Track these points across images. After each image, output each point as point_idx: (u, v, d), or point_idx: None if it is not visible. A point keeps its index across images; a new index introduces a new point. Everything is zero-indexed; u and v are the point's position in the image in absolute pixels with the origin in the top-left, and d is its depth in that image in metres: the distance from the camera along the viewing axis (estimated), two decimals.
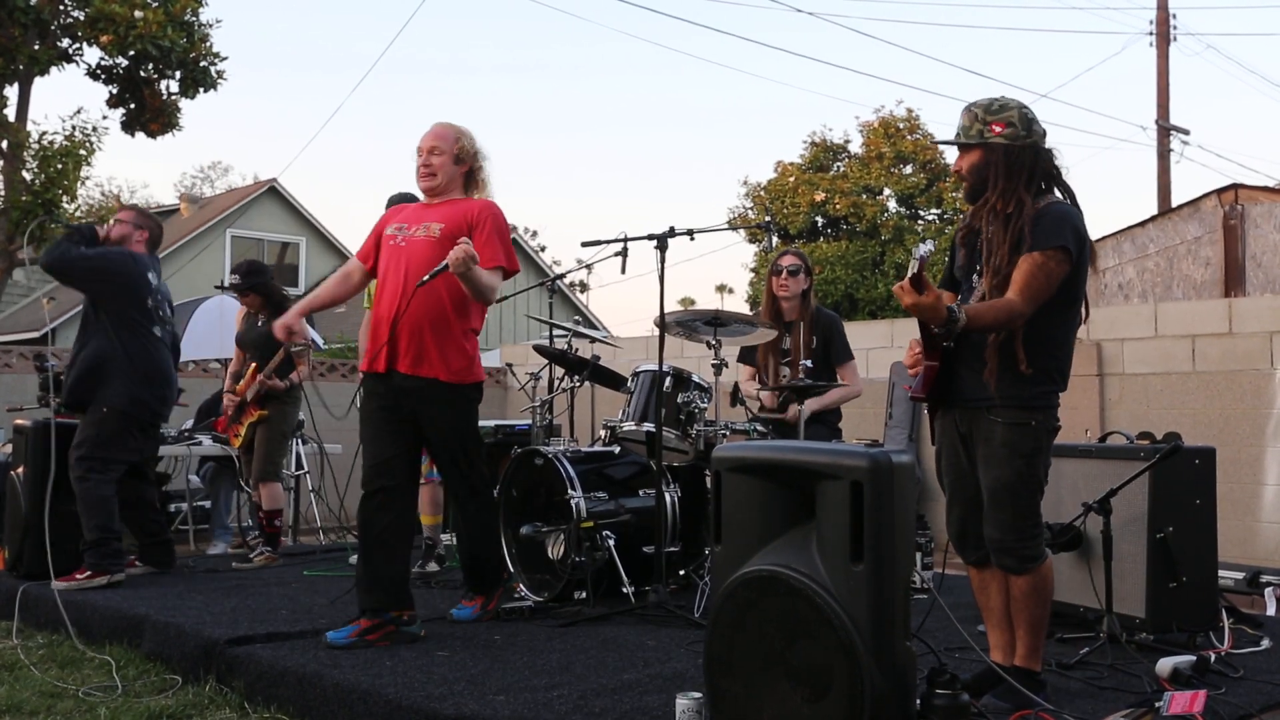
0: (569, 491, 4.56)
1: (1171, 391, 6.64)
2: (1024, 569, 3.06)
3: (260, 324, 6.10)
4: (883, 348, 7.95)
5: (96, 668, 3.89)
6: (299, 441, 7.08)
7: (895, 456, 2.37)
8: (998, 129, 3.05)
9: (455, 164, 4.05)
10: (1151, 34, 16.56)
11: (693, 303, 39.39)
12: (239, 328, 6.32)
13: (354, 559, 5.67)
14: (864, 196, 21.24)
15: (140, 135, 13.35)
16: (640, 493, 4.82)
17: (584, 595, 4.46)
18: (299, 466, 7.11)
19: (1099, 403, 6.88)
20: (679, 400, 4.71)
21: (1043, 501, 4.30)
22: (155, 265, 5.39)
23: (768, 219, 5.81)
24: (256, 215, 21.31)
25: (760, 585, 2.45)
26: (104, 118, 12.85)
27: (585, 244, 4.97)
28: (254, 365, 5.98)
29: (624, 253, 4.84)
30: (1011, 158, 3.05)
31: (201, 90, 12.96)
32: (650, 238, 4.63)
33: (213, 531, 7.14)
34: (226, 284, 6.45)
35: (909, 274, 2.88)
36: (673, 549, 4.68)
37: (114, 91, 13.10)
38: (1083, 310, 3.18)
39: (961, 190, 3.24)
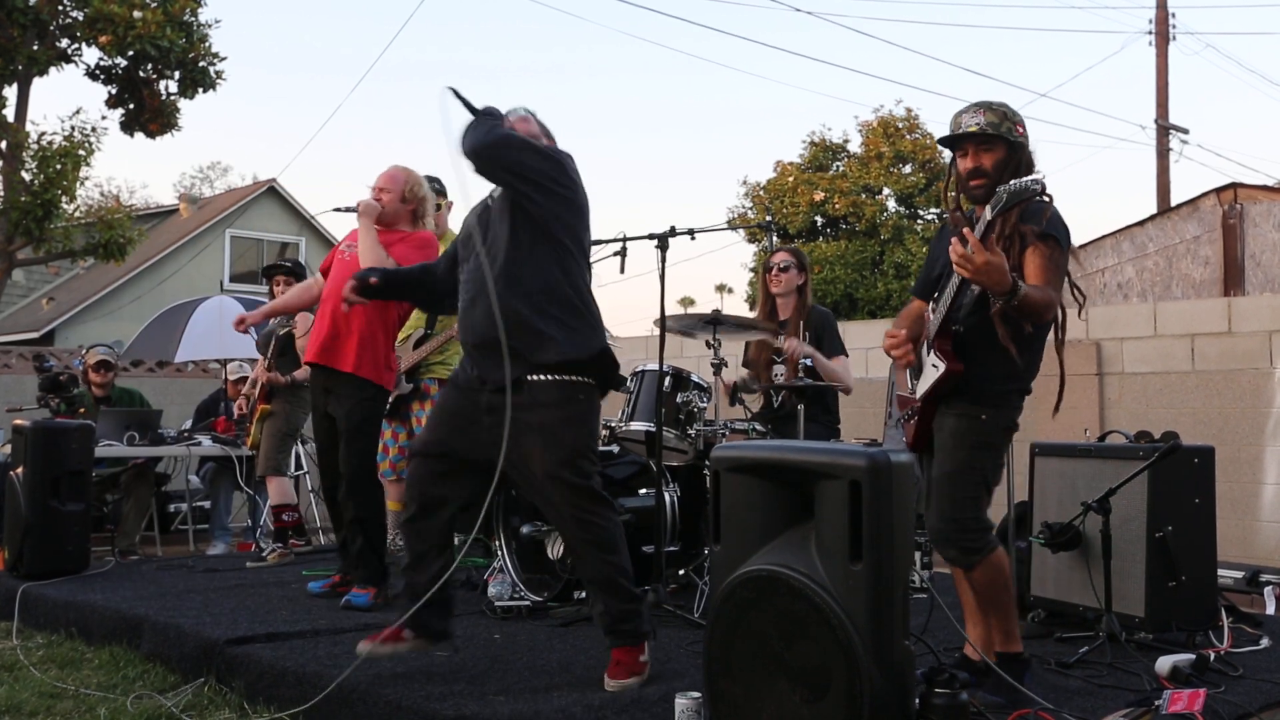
0: None
1: (1171, 391, 6.64)
2: (967, 561, 3.09)
3: (270, 324, 6.13)
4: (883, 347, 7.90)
5: (96, 668, 3.90)
6: (299, 441, 7.09)
7: (894, 456, 2.37)
8: (1020, 130, 3.16)
9: (401, 202, 4.66)
10: (1151, 33, 16.57)
11: (692, 302, 39.37)
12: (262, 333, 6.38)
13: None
14: (863, 196, 21.25)
15: (139, 135, 13.37)
16: (640, 492, 4.82)
17: (584, 595, 4.45)
18: (299, 466, 7.10)
19: (1098, 402, 6.87)
20: (678, 400, 4.71)
21: (1043, 501, 4.33)
22: None
23: (768, 219, 5.83)
24: (256, 215, 21.30)
25: (759, 585, 2.45)
26: (103, 118, 12.88)
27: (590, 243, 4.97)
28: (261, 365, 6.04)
29: (623, 252, 4.84)
30: (1025, 159, 3.15)
31: (200, 90, 12.98)
32: (651, 237, 4.63)
33: (212, 532, 7.14)
34: (280, 260, 6.47)
35: (979, 231, 2.90)
36: (672, 549, 4.68)
37: (113, 92, 13.11)
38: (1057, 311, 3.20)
39: (965, 186, 3.22)
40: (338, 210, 4.68)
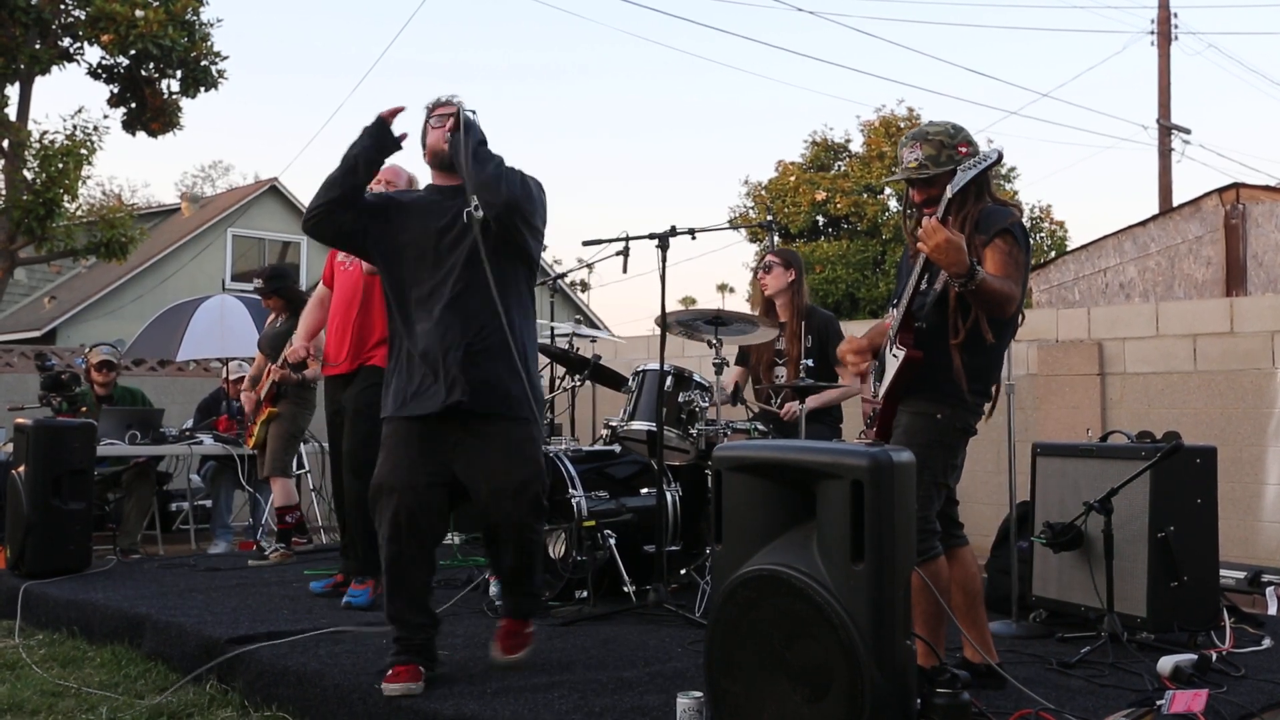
0: (570, 491, 4.56)
1: (1173, 391, 6.63)
2: None
3: (279, 324, 6.12)
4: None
5: (98, 667, 3.90)
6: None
7: (896, 455, 2.37)
8: (964, 149, 3.15)
9: None
10: (1153, 33, 16.55)
11: (694, 302, 39.38)
12: (263, 331, 6.38)
13: None
14: (865, 196, 21.25)
15: (141, 135, 13.35)
16: (641, 492, 4.82)
17: (585, 594, 4.46)
18: (299, 466, 7.10)
19: (1100, 402, 6.87)
20: (680, 399, 4.71)
21: (1044, 501, 4.33)
22: None
23: (769, 218, 5.81)
24: (257, 215, 21.30)
25: (761, 585, 2.45)
26: (105, 117, 12.86)
27: (586, 243, 4.98)
28: (270, 365, 6.00)
29: (625, 252, 4.84)
30: (977, 175, 3.10)
31: (202, 89, 12.96)
32: (652, 236, 4.63)
33: (213, 531, 7.14)
34: (254, 287, 6.48)
35: (939, 213, 2.93)
36: (674, 548, 4.68)
37: (115, 91, 13.10)
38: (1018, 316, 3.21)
39: (921, 215, 3.25)
40: None
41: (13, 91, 12.32)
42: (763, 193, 22.68)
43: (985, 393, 3.21)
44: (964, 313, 3.08)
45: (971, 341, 3.09)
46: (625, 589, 4.43)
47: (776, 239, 16.58)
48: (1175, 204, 13.74)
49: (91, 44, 12.43)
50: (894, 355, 3.14)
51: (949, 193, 2.98)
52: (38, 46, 12.09)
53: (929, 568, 3.05)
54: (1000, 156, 3.03)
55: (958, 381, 3.09)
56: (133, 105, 13.14)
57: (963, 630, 3.20)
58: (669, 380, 4.68)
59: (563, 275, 7.78)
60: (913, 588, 2.99)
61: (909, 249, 3.35)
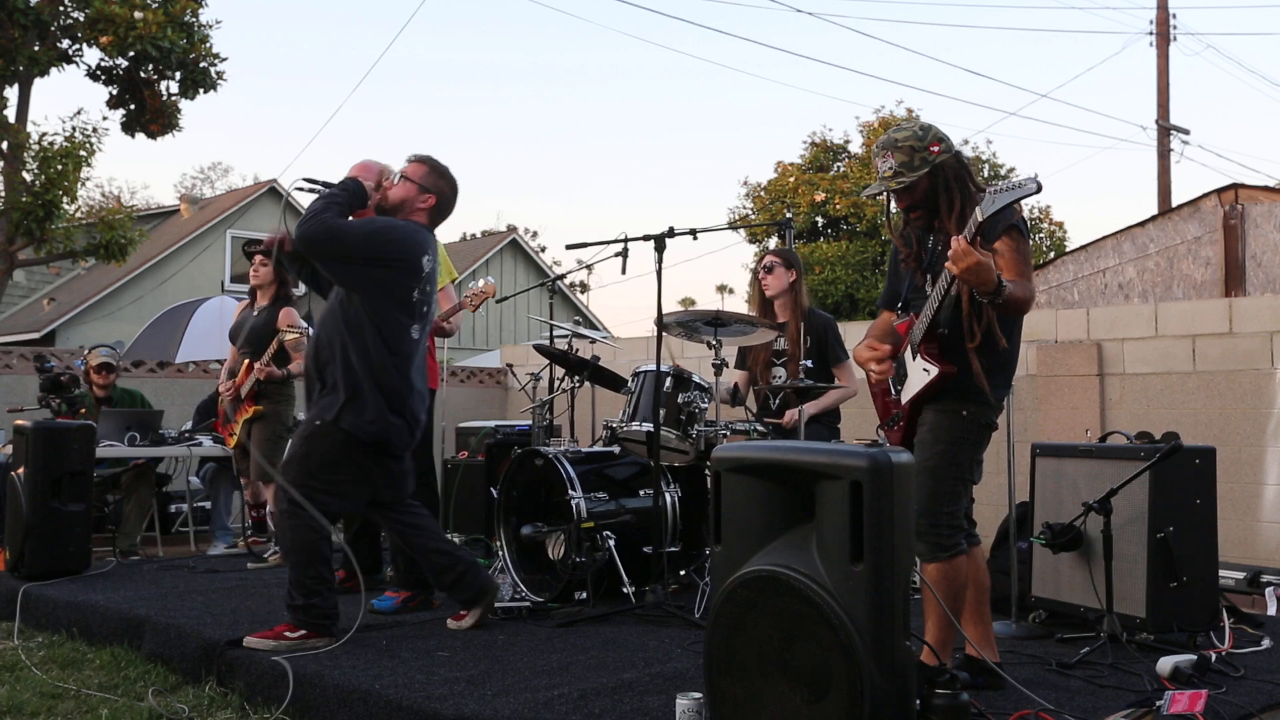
0: (569, 492, 4.57)
1: (1172, 391, 6.63)
2: (935, 557, 3.09)
3: (255, 315, 6.02)
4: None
5: (97, 669, 3.90)
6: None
7: (894, 456, 2.37)
8: (937, 149, 3.14)
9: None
10: (1151, 34, 16.57)
11: (693, 303, 39.37)
12: (234, 321, 6.28)
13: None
14: (864, 196, 21.25)
15: (140, 136, 13.35)
16: (641, 493, 4.82)
17: (584, 595, 4.46)
18: None
19: (1099, 403, 6.87)
20: (679, 400, 4.71)
21: (1044, 502, 4.33)
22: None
23: (787, 215, 5.83)
24: (256, 216, 21.28)
25: (760, 585, 2.45)
26: (104, 119, 12.83)
27: (570, 246, 5.01)
28: (247, 361, 5.91)
29: (624, 253, 4.85)
30: (953, 171, 3.13)
31: (201, 91, 12.96)
32: (648, 238, 4.64)
33: (213, 532, 7.14)
34: (259, 244, 6.23)
35: (968, 233, 2.92)
36: (673, 549, 4.68)
37: (114, 92, 13.11)
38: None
39: (907, 220, 3.26)
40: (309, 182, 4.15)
41: (12, 93, 12.32)
42: (762, 194, 22.69)
43: (1006, 385, 3.26)
44: (978, 316, 3.10)
45: (988, 343, 3.11)
46: (625, 590, 4.43)
47: (792, 237, 16.62)
48: (1174, 204, 13.75)
49: (90, 46, 12.43)
50: (925, 370, 3.14)
51: (979, 216, 2.94)
52: (36, 48, 12.09)
53: (953, 564, 3.08)
54: (1039, 187, 2.88)
55: (979, 381, 3.11)
56: (132, 107, 13.14)
57: (962, 631, 3.21)
58: (668, 381, 4.68)
59: (562, 277, 7.81)
60: (935, 579, 3.03)
61: (898, 249, 3.40)
